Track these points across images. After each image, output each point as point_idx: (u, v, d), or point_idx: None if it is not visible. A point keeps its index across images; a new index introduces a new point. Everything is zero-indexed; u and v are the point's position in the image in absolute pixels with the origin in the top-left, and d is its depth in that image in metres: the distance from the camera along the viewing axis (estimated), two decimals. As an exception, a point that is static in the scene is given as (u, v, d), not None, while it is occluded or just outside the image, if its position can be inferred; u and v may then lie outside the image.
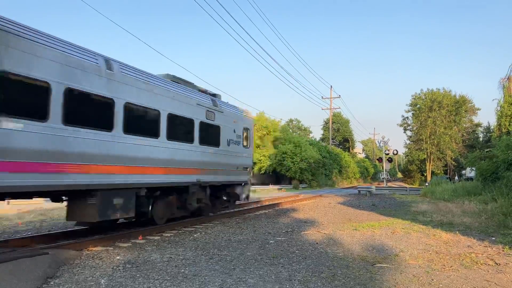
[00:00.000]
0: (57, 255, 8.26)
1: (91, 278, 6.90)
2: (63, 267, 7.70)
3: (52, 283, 6.62)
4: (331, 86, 63.90)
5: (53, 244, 10.18)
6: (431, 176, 63.06)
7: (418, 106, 70.31)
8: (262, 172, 50.30)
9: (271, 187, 43.42)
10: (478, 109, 71.67)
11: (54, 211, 18.57)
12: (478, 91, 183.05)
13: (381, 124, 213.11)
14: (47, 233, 11.87)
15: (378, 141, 47.41)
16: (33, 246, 10.04)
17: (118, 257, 8.59)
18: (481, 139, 65.86)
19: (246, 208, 19.86)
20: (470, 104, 70.05)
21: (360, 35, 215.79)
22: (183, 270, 7.36)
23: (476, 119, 71.67)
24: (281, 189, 43.29)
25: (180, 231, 12.65)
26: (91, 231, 12.40)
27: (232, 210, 18.45)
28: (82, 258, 8.57)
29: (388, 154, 43.15)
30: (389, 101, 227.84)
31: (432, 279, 6.77)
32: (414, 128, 73.41)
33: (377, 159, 50.64)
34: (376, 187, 37.06)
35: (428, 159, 69.36)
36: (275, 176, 51.13)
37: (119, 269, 7.48)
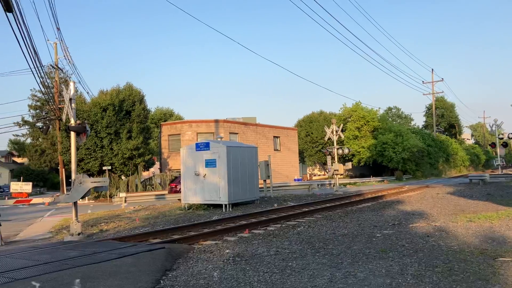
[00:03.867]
0: (172, 249, 8.84)
1: (204, 270, 7.26)
2: (178, 260, 8.21)
3: (170, 275, 7.08)
4: (432, 69, 59.95)
5: (167, 239, 10.92)
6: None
7: (535, 83, 63.26)
8: (362, 164, 48.98)
9: (372, 179, 42.12)
10: None
11: (165, 208, 19.92)
12: None
13: (492, 106, 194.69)
14: (162, 228, 12.76)
15: (489, 125, 43.61)
16: (150, 241, 10.85)
17: (227, 251, 8.94)
18: None
19: (347, 201, 19.49)
20: None
21: (462, 9, 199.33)
22: (290, 264, 7.43)
23: None
24: (383, 181, 41.80)
25: (283, 225, 12.80)
26: (200, 226, 13.08)
27: (333, 204, 18.24)
28: (194, 252, 9.07)
29: (502, 138, 39.44)
30: (501, 80, 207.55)
31: None
32: (532, 108, 66.15)
33: (490, 145, 46.52)
34: (490, 175, 34.10)
35: (551, 142, 62.09)
36: (375, 167, 49.48)
37: (229, 262, 7.78)
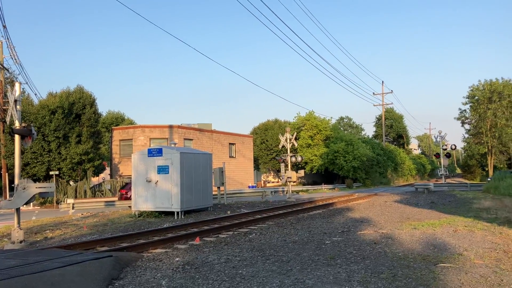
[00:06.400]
0: (120, 258, 8.60)
1: (152, 279, 7.12)
2: (126, 269, 8.01)
3: (116, 284, 6.90)
4: (382, 82, 62.18)
5: (116, 247, 10.63)
6: (493, 171, 59.78)
7: (476, 98, 66.83)
8: (314, 171, 49.84)
9: (324, 186, 42.93)
10: (545, 98, 66.87)
11: (114, 215, 19.37)
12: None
13: (437, 119, 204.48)
14: (110, 236, 12.40)
15: (434, 136, 45.60)
16: (97, 249, 10.52)
17: (177, 259, 8.82)
18: (548, 129, 61.53)
19: (299, 208, 19.76)
20: (535, 93, 65.56)
21: (412, 27, 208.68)
22: (240, 271, 7.43)
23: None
24: (334, 188, 42.69)
25: (235, 233, 12.79)
26: (151, 233, 12.82)
27: (286, 211, 18.43)
28: (143, 260, 8.88)
29: (445, 149, 41.40)
30: (445, 94, 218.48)
31: (502, 280, 6.41)
32: (473, 121, 69.84)
33: (434, 155, 48.70)
34: (434, 184, 35.67)
35: (489, 153, 65.73)
36: (327, 175, 50.50)
37: (178, 271, 7.67)
